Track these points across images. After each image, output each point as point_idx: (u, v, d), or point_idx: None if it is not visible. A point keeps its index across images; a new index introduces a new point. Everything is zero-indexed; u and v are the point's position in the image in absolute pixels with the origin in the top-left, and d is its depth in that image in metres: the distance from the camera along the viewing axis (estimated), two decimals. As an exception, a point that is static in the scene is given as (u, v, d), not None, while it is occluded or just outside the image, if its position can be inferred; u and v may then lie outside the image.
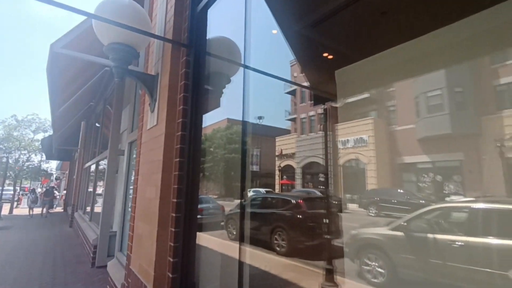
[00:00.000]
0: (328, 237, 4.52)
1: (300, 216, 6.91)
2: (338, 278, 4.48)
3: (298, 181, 24.49)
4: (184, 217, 2.08)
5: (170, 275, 2.02)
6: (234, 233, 8.35)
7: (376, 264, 4.86)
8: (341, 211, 15.75)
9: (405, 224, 4.60)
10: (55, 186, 23.51)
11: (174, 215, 2.13)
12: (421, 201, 13.01)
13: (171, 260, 2.06)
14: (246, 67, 2.63)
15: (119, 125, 5.28)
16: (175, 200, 2.15)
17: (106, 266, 4.14)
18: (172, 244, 2.07)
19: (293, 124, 28.64)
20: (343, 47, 2.60)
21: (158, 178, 2.27)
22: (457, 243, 3.96)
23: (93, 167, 7.77)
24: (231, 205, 14.87)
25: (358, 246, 5.27)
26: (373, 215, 14.52)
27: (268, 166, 28.85)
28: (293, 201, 7.25)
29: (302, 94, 26.48)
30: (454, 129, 17.00)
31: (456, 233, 4.22)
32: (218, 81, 2.74)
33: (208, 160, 27.12)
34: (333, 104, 23.00)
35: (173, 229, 2.10)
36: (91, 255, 5.18)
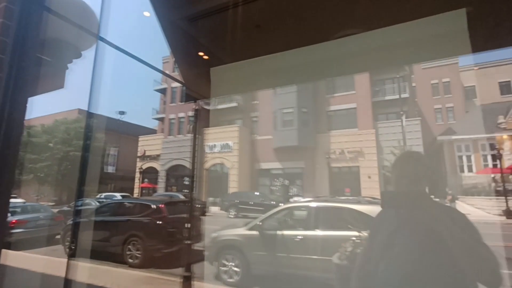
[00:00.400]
0: (189, 242, 4.29)
1: (160, 222, 6.36)
2: (196, 284, 4.32)
3: (161, 185, 23.14)
4: None
5: None
6: (73, 247, 6.75)
7: (233, 264, 5.03)
8: (204, 215, 15.96)
9: (260, 223, 5.00)
10: None
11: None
12: (272, 202, 14.93)
13: None
14: (101, 39, 2.07)
15: None
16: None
17: None
18: None
19: (160, 124, 27.00)
20: (219, 46, 2.47)
21: None
22: (298, 237, 4.62)
23: None
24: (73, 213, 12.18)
25: (218, 248, 5.31)
26: (232, 216, 15.49)
27: (127, 167, 25.76)
28: (153, 206, 6.60)
29: (173, 93, 25.44)
30: (300, 142, 20.64)
31: (297, 228, 4.93)
32: (61, 52, 2.03)
33: (45, 157, 21.29)
34: (205, 106, 23.28)
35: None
36: None
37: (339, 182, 19.90)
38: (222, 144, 22.12)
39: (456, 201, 14.84)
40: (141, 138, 26.32)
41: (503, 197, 13.44)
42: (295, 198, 18.84)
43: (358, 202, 4.75)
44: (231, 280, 4.95)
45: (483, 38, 1.74)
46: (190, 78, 3.00)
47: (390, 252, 1.09)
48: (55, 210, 11.14)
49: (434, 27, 1.59)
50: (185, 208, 7.35)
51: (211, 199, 20.84)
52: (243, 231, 5.15)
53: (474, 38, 1.52)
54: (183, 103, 22.30)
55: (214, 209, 17.74)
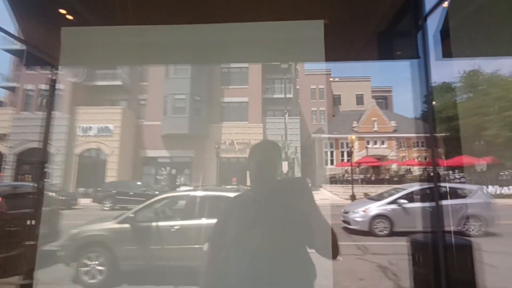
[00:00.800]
0: (32, 242, 3.43)
1: (-6, 219, 4.89)
2: (39, 293, 3.51)
3: (8, 172, 18.00)
4: None
5: None
6: None
7: (97, 262, 4.37)
8: (69, 208, 13.45)
9: (133, 215, 4.51)
10: None
11: None
12: (156, 192, 14.01)
13: None
14: None
15: None
16: None
17: None
18: None
19: (10, 95, 20.85)
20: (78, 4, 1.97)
21: None
22: (174, 227, 4.43)
23: None
24: None
25: (78, 246, 4.49)
26: (107, 209, 13.66)
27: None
28: (-16, 199, 5.00)
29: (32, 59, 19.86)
30: (190, 130, 20.18)
31: (175, 218, 4.73)
32: None
33: None
34: (73, 80, 19.45)
35: None
36: None
37: (228, 172, 20.64)
38: (101, 127, 19.21)
39: (320, 188, 17.95)
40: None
41: (350, 185, 17.27)
42: (183, 188, 18.39)
43: (237, 191, 4.95)
44: (93, 281, 4.31)
45: (336, 50, 1.97)
46: (35, 36, 2.31)
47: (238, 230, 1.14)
48: None
49: (293, 31, 1.69)
50: (36, 202, 5.91)
51: (82, 189, 17.81)
52: (112, 224, 4.55)
53: (328, 48, 1.67)
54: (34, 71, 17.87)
55: (85, 201, 15.24)
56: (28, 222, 3.80)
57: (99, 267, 4.35)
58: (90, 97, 20.72)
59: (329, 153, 23.62)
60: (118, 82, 21.05)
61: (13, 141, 18.60)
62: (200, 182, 19.72)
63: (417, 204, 7.52)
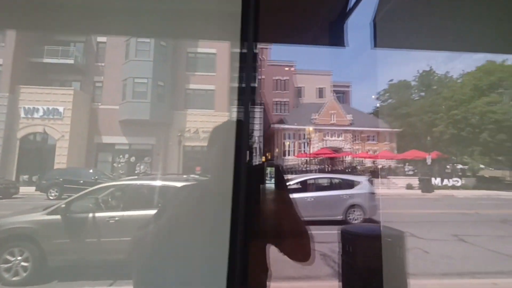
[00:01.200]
0: None
1: None
2: None
3: None
4: None
5: None
6: None
7: (20, 258, 3.90)
8: (9, 197, 12.16)
9: (64, 206, 4.06)
10: None
11: None
12: (110, 181, 13.21)
13: None
14: None
15: None
16: None
17: None
18: None
19: None
20: None
21: None
22: (114, 218, 4.09)
23: None
24: None
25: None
26: (53, 198, 12.55)
27: None
28: None
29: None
30: (152, 116, 19.25)
31: (117, 209, 4.38)
32: None
33: None
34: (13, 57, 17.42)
35: None
36: None
37: (192, 161, 20.15)
38: (49, 108, 17.53)
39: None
40: None
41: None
42: (142, 176, 17.58)
43: (186, 180, 4.70)
44: (16, 278, 3.85)
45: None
46: None
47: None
48: None
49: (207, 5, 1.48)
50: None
51: (24, 177, 16.22)
52: (40, 216, 4.08)
53: (245, 28, 1.49)
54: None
55: (27, 190, 13.91)
56: None
57: (24, 263, 3.89)
58: (37, 76, 18.75)
59: (288, 144, 24.07)
60: (70, 61, 19.27)
61: None
62: (160, 170, 19.03)
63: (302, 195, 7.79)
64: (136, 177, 7.00)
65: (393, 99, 37.65)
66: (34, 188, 13.78)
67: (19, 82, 17.41)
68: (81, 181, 12.60)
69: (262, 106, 23.16)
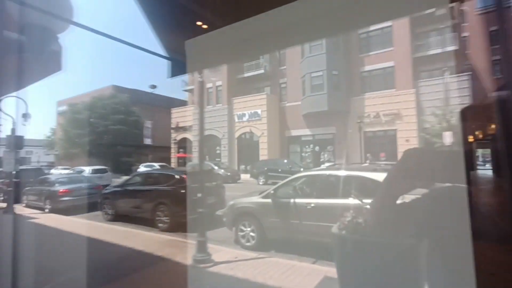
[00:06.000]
0: (201, 210, 4.54)
1: (184, 191, 6.76)
2: (212, 247, 4.62)
3: (195, 154, 24.24)
4: None
5: None
6: (110, 213, 7.54)
7: (249, 229, 5.25)
8: (235, 182, 16.57)
9: (272, 192, 5.07)
10: None
11: None
12: (301, 169, 14.94)
13: None
14: (74, 23, 2.07)
15: None
16: None
17: None
18: None
19: (190, 96, 27.59)
20: (192, 15, 2.33)
21: None
22: (310, 205, 4.62)
23: None
24: (113, 182, 13.40)
25: (235, 215, 5.56)
26: (261, 184, 15.88)
27: (163, 139, 27.25)
28: (177, 176, 6.99)
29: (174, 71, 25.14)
30: (330, 106, 19.84)
31: (312, 196, 4.92)
32: (39, 37, 2.09)
33: (87, 132, 23.34)
34: (213, 81, 23.02)
35: None
36: None
37: (374, 147, 19.09)
38: (251, 112, 22.10)
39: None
40: (173, 110, 27.26)
41: None
42: (326, 164, 18.60)
43: (374, 170, 4.53)
44: (248, 244, 5.21)
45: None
46: (173, 49, 2.90)
47: None
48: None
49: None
50: (210, 177, 7.69)
51: (242, 167, 21.42)
52: (257, 199, 5.28)
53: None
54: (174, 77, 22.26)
55: (245, 177, 18.30)
56: (199, 194, 4.97)
57: (252, 234, 5.18)
58: (242, 88, 24.07)
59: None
60: (261, 71, 23.30)
61: (195, 130, 24.61)
62: (344, 158, 19.24)
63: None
64: (327, 167, 7.57)
65: None
66: (248, 175, 17.95)
67: (232, 95, 23.09)
68: (279, 170, 15.01)
69: (469, 72, 18.00)
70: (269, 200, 5.05)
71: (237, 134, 22.83)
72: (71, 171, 17.39)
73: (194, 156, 23.99)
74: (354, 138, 19.52)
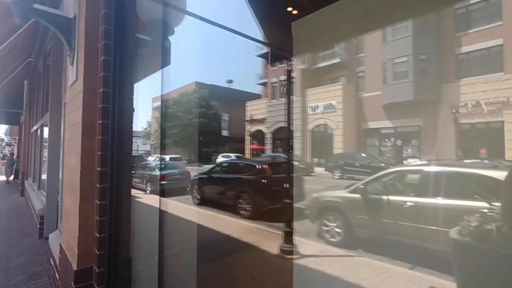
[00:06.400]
0: (288, 201, 4.54)
1: (265, 181, 6.92)
2: (296, 239, 4.61)
3: (268, 146, 24.73)
4: (111, 188, 1.79)
5: (97, 252, 1.79)
6: (199, 198, 8.29)
7: (334, 224, 5.06)
8: (308, 175, 16.33)
9: (362, 186, 4.73)
10: (13, 153, 21.63)
11: (99, 186, 1.84)
12: (381, 165, 13.77)
13: (98, 235, 1.81)
14: (189, 13, 2.23)
15: (59, 83, 4.62)
16: (99, 169, 1.84)
17: (53, 237, 3.89)
18: (98, 218, 1.80)
19: (263, 89, 28.11)
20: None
21: (78, 144, 1.92)
22: (407, 203, 4.16)
23: (43, 132, 7.08)
24: (199, 170, 14.71)
25: (319, 208, 5.43)
26: (337, 178, 15.25)
27: (238, 131, 28.68)
28: (258, 166, 7.20)
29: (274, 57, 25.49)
30: (416, 96, 17.69)
31: (407, 194, 4.42)
32: (157, 31, 2.32)
33: (176, 125, 26.19)
34: (299, 66, 22.54)
35: (98, 202, 1.81)
36: (38, 225, 4.82)
37: (471, 141, 16.34)
38: (325, 104, 21.33)
39: None
40: (248, 103, 28.26)
41: None
42: (410, 160, 16.76)
43: (494, 167, 3.79)
44: (333, 239, 5.04)
45: None
46: (274, 37, 2.91)
47: None
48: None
49: None
50: (287, 169, 7.70)
51: (315, 159, 20.94)
52: (344, 193, 5.04)
53: None
54: (270, 62, 22.30)
55: (318, 170, 17.87)
56: (284, 185, 5.00)
57: (337, 229, 4.98)
58: (315, 79, 23.37)
59: None
60: (337, 60, 22.16)
61: (268, 123, 25.07)
62: (433, 154, 16.99)
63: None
64: (424, 162, 6.76)
65: None
66: (322, 169, 17.44)
67: (305, 86, 22.63)
68: (357, 164, 14.16)
69: None
70: (357, 196, 4.76)
71: (310, 127, 22.37)
72: (157, 158, 19.82)
73: (267, 148, 24.53)
74: (446, 131, 16.97)
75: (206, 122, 27.43)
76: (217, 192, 7.94)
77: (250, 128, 27.07)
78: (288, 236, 4.39)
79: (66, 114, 2.52)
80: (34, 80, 8.25)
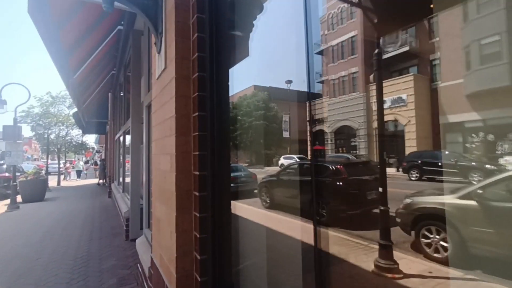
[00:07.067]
0: (383, 208, 3.87)
1: (340, 183, 6.25)
2: (398, 255, 3.90)
3: (329, 147, 23.48)
4: (212, 196, 1.46)
5: (199, 278, 1.47)
6: (268, 201, 7.99)
7: (438, 237, 4.19)
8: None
9: (481, 191, 3.78)
10: (103, 158, 24.77)
11: (197, 194, 1.55)
12: (472, 163, 11.69)
13: (198, 257, 1.51)
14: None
15: (138, 90, 4.80)
16: (197, 173, 1.55)
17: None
18: (198, 235, 1.51)
19: (323, 87, 26.92)
20: None
21: (171, 143, 1.64)
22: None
23: (125, 139, 7.67)
24: (262, 172, 14.54)
25: (414, 216, 4.59)
26: (414, 179, 13.48)
27: (300, 132, 27.98)
28: (332, 167, 6.56)
29: (332, 52, 24.38)
30: (514, 80, 14.79)
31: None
32: (247, 9, 2.02)
33: (236, 127, 26.84)
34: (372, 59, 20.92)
35: (197, 214, 1.51)
36: (124, 227, 5.07)
37: None
38: (393, 98, 19.40)
39: None
40: (308, 103, 27.45)
41: None
42: (507, 158, 14.04)
43: None
44: (437, 255, 4.19)
45: None
46: None
47: None
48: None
49: None
50: (364, 170, 6.92)
51: (391, 160, 19.16)
52: (452, 199, 4.13)
53: None
54: (345, 60, 21.00)
55: (389, 171, 16.19)
56: (364, 188, 4.32)
57: (443, 243, 4.12)
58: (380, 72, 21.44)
59: None
60: (405, 48, 20.00)
61: (329, 122, 23.91)
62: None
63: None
64: None
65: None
66: (393, 169, 15.74)
67: (368, 81, 20.95)
68: (439, 163, 12.36)
69: None
70: (472, 203, 3.84)
71: (375, 124, 20.59)
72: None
73: (329, 148, 23.35)
74: (558, 121, 13.77)
75: (266, 124, 27.45)
76: (288, 195, 7.54)
77: (312, 128, 26.23)
78: (384, 249, 3.73)
79: (153, 112, 2.37)
80: (117, 92, 9.04)
